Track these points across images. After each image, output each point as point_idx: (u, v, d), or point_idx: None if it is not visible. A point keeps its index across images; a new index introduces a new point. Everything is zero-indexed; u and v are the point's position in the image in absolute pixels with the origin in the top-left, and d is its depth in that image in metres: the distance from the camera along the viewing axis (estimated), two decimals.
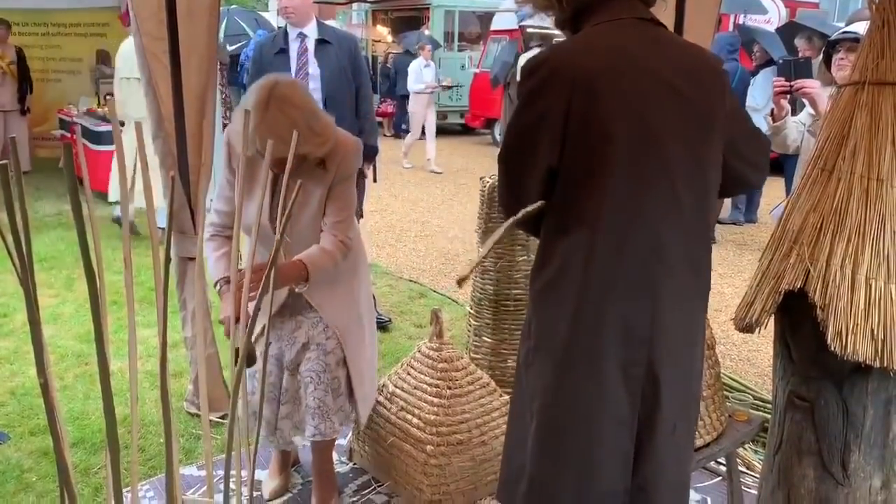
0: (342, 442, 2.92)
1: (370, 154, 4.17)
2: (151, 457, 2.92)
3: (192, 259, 2.94)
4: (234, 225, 2.38)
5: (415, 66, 10.42)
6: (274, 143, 1.85)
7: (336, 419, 2.44)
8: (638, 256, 1.50)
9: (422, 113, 10.04)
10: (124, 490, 2.29)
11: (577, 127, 1.46)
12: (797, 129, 3.24)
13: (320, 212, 2.31)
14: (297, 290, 2.31)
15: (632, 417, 1.54)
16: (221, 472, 2.38)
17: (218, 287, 2.31)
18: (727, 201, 6.93)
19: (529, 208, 1.57)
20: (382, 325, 4.32)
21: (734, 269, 5.55)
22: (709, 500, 2.67)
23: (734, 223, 7.01)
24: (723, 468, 2.67)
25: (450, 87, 12.14)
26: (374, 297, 4.49)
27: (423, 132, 10.03)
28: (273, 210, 2.27)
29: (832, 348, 1.86)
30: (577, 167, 1.49)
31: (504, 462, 1.71)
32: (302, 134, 2.00)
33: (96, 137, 7.14)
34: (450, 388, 2.60)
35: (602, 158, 1.46)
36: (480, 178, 3.21)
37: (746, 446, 2.94)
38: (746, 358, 4.08)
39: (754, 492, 2.43)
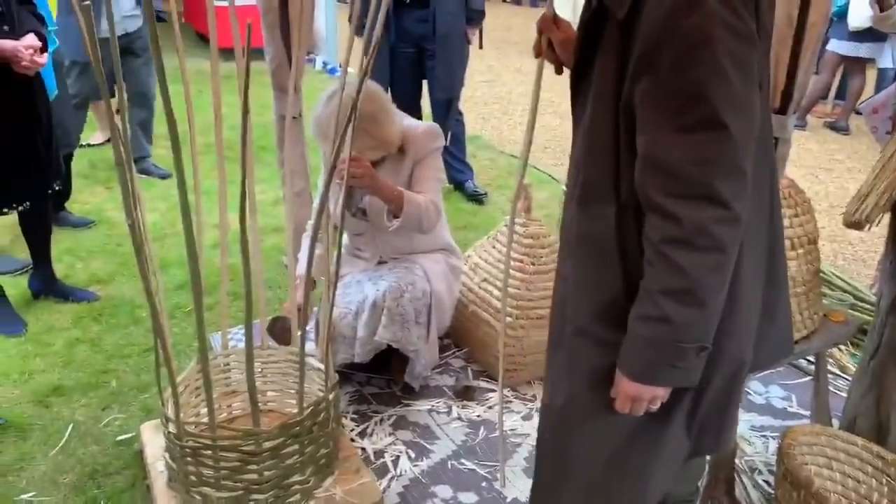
0: None
1: (475, 18, 4.00)
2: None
3: (293, 118, 2.96)
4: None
5: None
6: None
7: (415, 332, 2.38)
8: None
9: None
10: (215, 333, 2.46)
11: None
12: None
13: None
14: (387, 225, 2.34)
15: None
16: (311, 323, 2.50)
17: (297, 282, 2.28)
18: (855, 87, 6.21)
19: None
20: (478, 199, 4.31)
21: (865, 164, 5.12)
22: (793, 396, 2.58)
23: None
24: (812, 367, 2.56)
25: None
26: (471, 168, 4.46)
27: None
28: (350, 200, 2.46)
29: None
30: None
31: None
32: (357, 136, 2.18)
33: None
34: (533, 264, 2.58)
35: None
36: None
37: (844, 349, 2.80)
38: (861, 258, 3.83)
39: (844, 394, 2.33)
